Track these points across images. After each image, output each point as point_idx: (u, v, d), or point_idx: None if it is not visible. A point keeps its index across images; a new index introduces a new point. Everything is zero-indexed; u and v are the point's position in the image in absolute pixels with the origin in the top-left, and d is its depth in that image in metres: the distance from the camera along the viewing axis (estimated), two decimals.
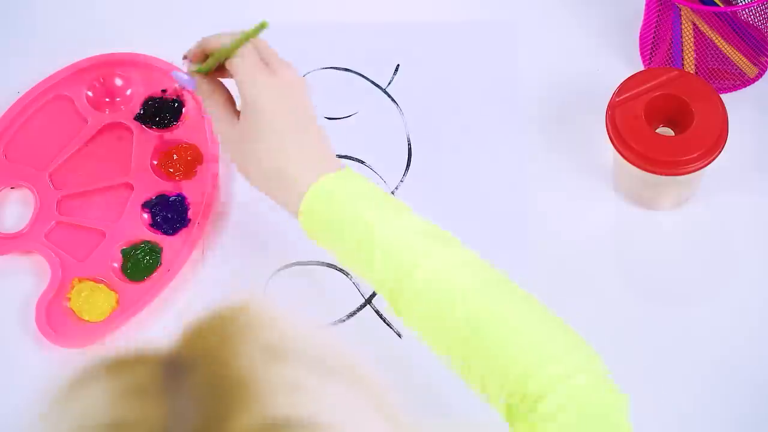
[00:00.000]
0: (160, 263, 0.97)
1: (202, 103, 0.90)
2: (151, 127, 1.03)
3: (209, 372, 0.52)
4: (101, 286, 0.96)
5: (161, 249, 0.98)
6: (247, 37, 0.86)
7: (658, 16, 1.00)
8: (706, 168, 0.93)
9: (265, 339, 0.55)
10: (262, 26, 0.85)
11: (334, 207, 0.82)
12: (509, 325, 0.77)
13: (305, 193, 0.82)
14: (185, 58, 0.90)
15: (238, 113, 0.87)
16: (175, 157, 1.01)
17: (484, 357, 0.76)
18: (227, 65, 0.86)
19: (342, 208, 0.82)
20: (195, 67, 0.89)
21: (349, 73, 1.06)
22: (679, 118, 0.94)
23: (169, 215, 0.99)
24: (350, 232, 0.81)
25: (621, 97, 0.94)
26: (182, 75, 0.90)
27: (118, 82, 1.05)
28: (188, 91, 0.95)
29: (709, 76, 1.01)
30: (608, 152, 0.96)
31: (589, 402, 0.74)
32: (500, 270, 0.80)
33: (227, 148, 0.88)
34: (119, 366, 0.55)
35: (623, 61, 1.05)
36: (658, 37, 1.02)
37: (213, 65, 0.88)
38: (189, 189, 1.00)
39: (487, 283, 0.79)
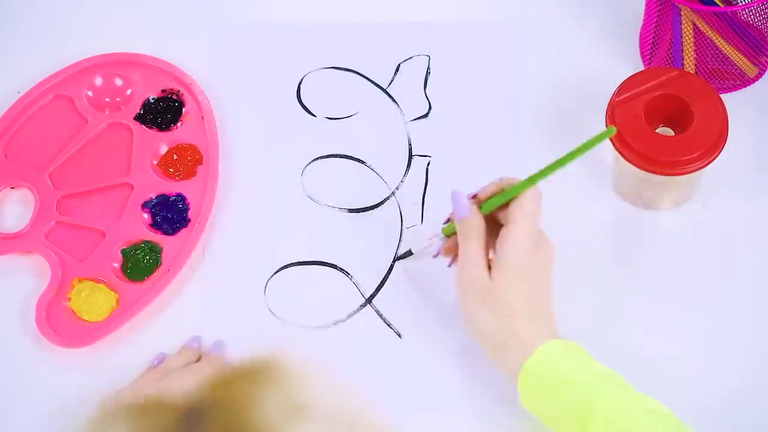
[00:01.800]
0: (160, 263, 0.97)
1: (463, 240, 0.86)
2: (151, 127, 1.03)
3: (227, 422, 0.52)
4: (101, 286, 0.96)
5: (161, 249, 0.98)
6: (543, 174, 0.85)
7: (658, 16, 1.00)
8: (706, 168, 0.93)
9: (287, 395, 0.55)
10: (610, 132, 0.83)
11: (559, 371, 0.82)
12: None
13: (532, 354, 0.82)
14: (474, 197, 0.88)
15: (487, 260, 0.86)
16: (175, 157, 1.01)
17: None
18: (510, 206, 0.85)
19: (566, 373, 0.82)
20: (480, 203, 0.87)
21: (350, 73, 1.07)
22: (679, 118, 0.94)
23: (169, 215, 0.99)
24: (570, 398, 0.81)
25: (621, 97, 0.94)
26: (461, 197, 0.87)
27: (118, 82, 1.05)
28: (453, 217, 0.90)
29: (709, 76, 1.01)
30: (608, 152, 0.96)
31: None
32: None
33: (469, 295, 0.86)
34: (140, 412, 0.55)
35: (623, 61, 1.05)
36: (658, 37, 1.02)
37: (496, 205, 0.86)
38: (189, 189, 1.00)
39: None
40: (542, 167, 0.85)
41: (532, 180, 0.86)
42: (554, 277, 0.88)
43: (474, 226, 0.86)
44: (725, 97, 0.95)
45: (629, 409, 0.80)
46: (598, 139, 0.83)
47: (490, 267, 0.86)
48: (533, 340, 0.83)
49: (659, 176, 0.92)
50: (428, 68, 1.06)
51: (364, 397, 0.58)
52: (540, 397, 0.83)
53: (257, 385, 0.55)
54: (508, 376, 0.85)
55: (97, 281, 0.96)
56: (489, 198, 0.87)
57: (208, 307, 0.97)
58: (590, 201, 1.00)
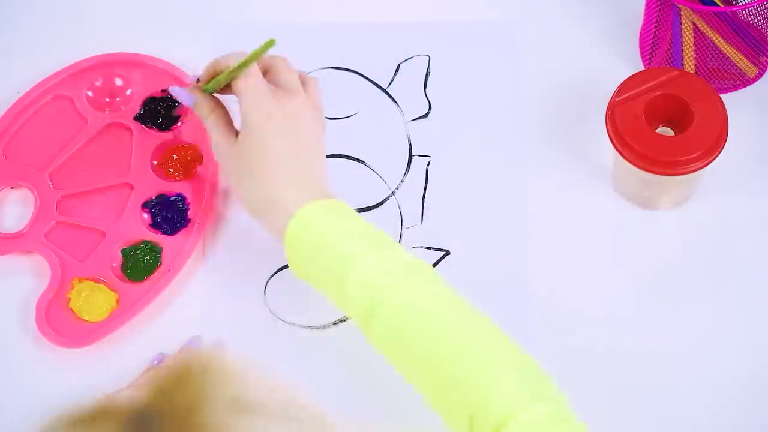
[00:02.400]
0: (160, 263, 0.97)
1: (202, 120, 0.91)
2: (151, 127, 1.03)
3: (175, 425, 0.52)
4: (101, 286, 0.96)
5: (161, 249, 0.98)
6: (254, 57, 0.86)
7: (658, 16, 1.00)
8: (706, 168, 0.93)
9: (231, 391, 0.55)
10: (269, 44, 0.85)
11: (317, 233, 0.83)
12: (475, 356, 0.78)
13: (292, 217, 0.84)
14: (198, 81, 0.91)
15: (236, 132, 0.89)
16: (175, 157, 1.01)
17: (448, 384, 0.78)
18: (233, 86, 0.88)
19: (324, 234, 0.83)
20: (201, 86, 0.90)
21: (350, 73, 1.06)
22: (679, 118, 0.94)
23: (169, 215, 0.99)
24: (329, 258, 0.83)
25: (621, 97, 0.94)
26: (180, 91, 0.92)
27: (118, 82, 1.05)
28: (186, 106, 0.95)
29: (709, 76, 1.01)
30: (608, 152, 0.96)
31: (551, 429, 0.75)
32: (482, 311, 0.81)
33: (223, 165, 0.90)
34: (83, 422, 0.54)
35: (623, 61, 1.05)
36: (658, 37, 1.02)
37: (219, 86, 0.89)
38: (189, 189, 1.00)
39: (460, 317, 0.81)
40: (250, 53, 0.86)
41: (242, 65, 0.86)
42: (323, 132, 0.90)
43: (204, 106, 0.90)
44: (725, 97, 0.95)
45: (385, 265, 0.82)
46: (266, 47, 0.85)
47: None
48: (291, 205, 0.85)
49: (659, 176, 0.92)
50: (428, 68, 1.06)
51: (305, 392, 0.58)
52: (301, 261, 0.85)
53: (199, 386, 0.55)
54: (275, 240, 0.87)
55: (97, 281, 0.96)
56: (209, 81, 0.90)
57: (208, 307, 0.97)
58: (590, 201, 0.99)
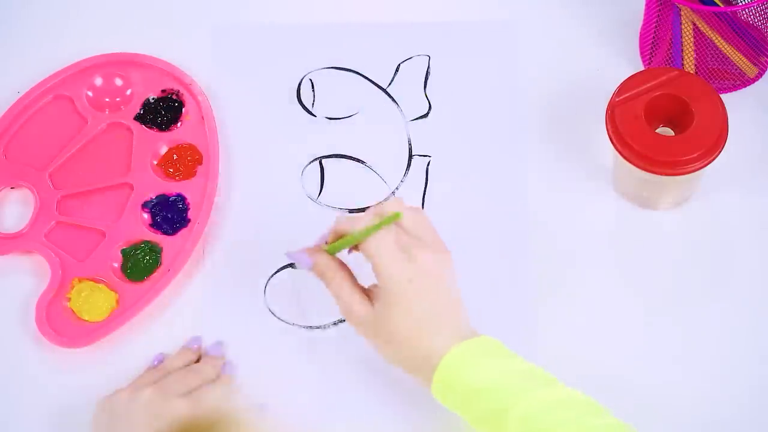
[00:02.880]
0: (160, 263, 0.97)
1: (325, 283, 0.88)
2: (151, 127, 1.03)
3: None
4: (101, 286, 0.96)
5: (161, 249, 0.98)
6: (382, 224, 0.84)
7: (658, 16, 1.00)
8: (706, 168, 0.93)
9: None
10: (397, 216, 0.84)
11: (463, 383, 0.82)
12: None
13: (437, 367, 0.83)
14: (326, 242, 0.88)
15: (366, 292, 0.87)
16: (175, 157, 1.01)
17: None
18: (362, 249, 0.85)
19: (475, 379, 0.82)
20: (325, 247, 0.88)
21: (350, 73, 1.07)
22: (679, 118, 0.94)
23: (169, 215, 0.99)
24: (484, 401, 0.81)
25: (621, 97, 0.94)
26: (300, 256, 0.88)
27: (118, 82, 1.05)
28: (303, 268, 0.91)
29: (709, 76, 1.01)
30: (608, 152, 0.96)
31: None
32: None
33: (361, 330, 0.87)
34: None
35: (623, 61, 1.05)
36: (658, 37, 1.02)
37: (342, 248, 0.87)
38: (189, 189, 1.00)
39: None
40: (373, 224, 0.84)
41: (365, 233, 0.85)
42: (457, 276, 0.86)
43: (328, 268, 0.87)
44: (725, 97, 0.95)
45: (543, 403, 0.80)
46: (388, 220, 0.84)
47: (370, 295, 0.86)
48: (434, 355, 0.83)
49: (659, 176, 0.92)
50: (428, 68, 1.06)
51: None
52: (456, 407, 0.84)
53: None
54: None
55: (97, 281, 0.96)
56: (334, 241, 0.87)
57: (208, 307, 0.97)
58: (590, 201, 0.99)
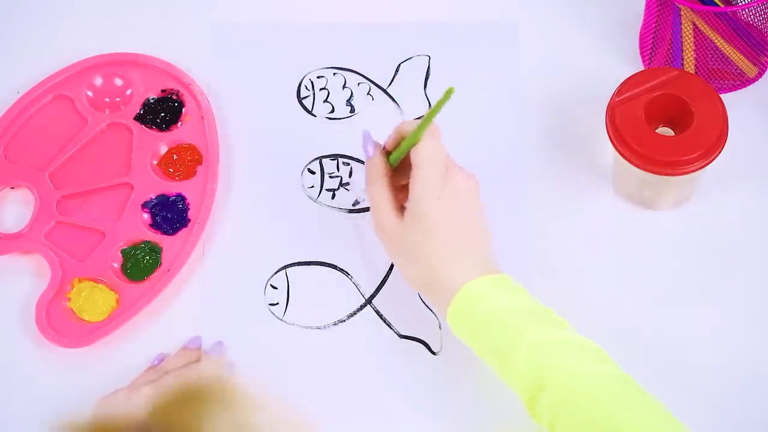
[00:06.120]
0: (160, 263, 0.97)
1: (366, 184, 0.88)
2: (151, 127, 1.03)
3: None
4: (101, 286, 0.96)
5: (161, 249, 0.98)
6: (434, 112, 0.84)
7: (658, 16, 1.00)
8: (706, 168, 0.93)
9: (235, 416, 0.55)
10: (449, 92, 0.83)
11: (481, 309, 0.83)
12: None
13: (456, 293, 0.83)
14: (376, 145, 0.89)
15: (399, 207, 0.87)
16: (175, 157, 1.01)
17: None
18: (412, 154, 0.86)
19: (490, 310, 0.82)
20: (387, 153, 0.88)
21: (350, 73, 1.07)
22: (679, 118, 0.94)
23: (169, 215, 0.99)
24: (493, 333, 0.82)
25: (621, 97, 0.94)
26: (369, 141, 0.89)
27: (118, 82, 1.05)
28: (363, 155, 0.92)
29: (709, 76, 1.02)
30: (608, 152, 0.96)
31: None
32: (655, 397, 0.80)
33: (387, 244, 0.88)
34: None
35: (623, 61, 1.05)
36: (658, 37, 1.02)
37: (402, 154, 0.87)
38: (189, 189, 1.00)
39: (635, 397, 0.79)
40: (429, 109, 0.84)
41: (423, 124, 0.85)
42: (482, 204, 0.87)
43: (376, 169, 0.88)
44: (725, 97, 0.95)
45: (551, 344, 0.81)
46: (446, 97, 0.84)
47: (403, 210, 0.86)
48: (454, 283, 0.84)
49: (659, 176, 0.92)
50: (428, 68, 1.06)
51: (312, 414, 0.58)
52: (466, 336, 0.84)
53: (204, 406, 0.55)
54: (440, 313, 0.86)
55: (97, 281, 0.97)
56: (394, 148, 0.88)
57: (208, 307, 0.97)
58: (590, 201, 1.00)
